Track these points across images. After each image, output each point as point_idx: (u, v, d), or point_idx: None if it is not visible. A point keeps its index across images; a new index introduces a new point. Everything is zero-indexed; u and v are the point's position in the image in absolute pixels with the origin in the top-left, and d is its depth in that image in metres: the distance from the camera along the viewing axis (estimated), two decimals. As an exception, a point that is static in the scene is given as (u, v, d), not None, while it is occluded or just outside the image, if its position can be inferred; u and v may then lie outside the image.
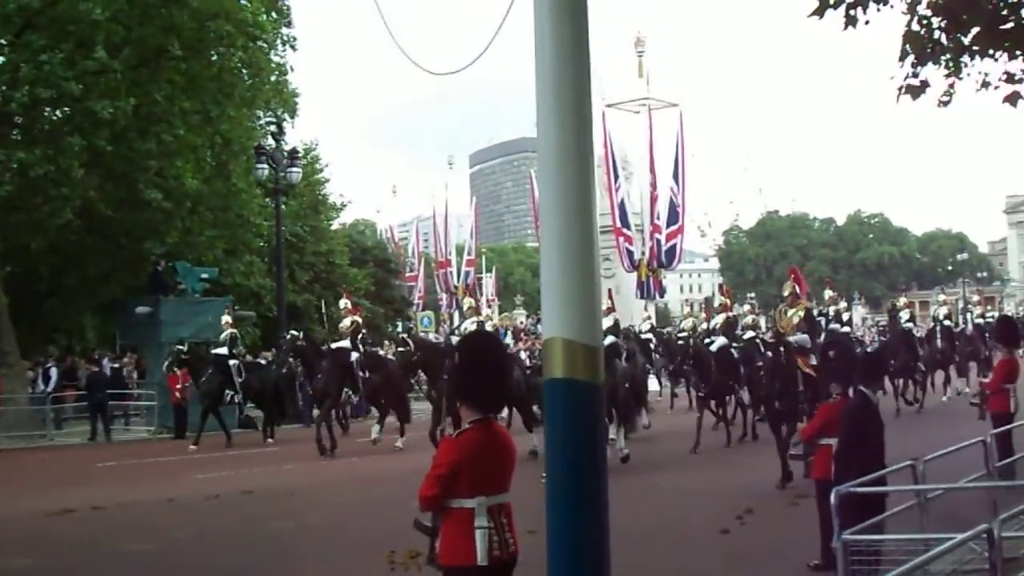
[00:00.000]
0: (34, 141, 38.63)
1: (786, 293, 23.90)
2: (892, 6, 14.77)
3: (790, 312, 22.77)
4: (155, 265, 42.93)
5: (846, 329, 35.97)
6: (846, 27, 14.27)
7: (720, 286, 41.72)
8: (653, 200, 51.74)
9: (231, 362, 34.61)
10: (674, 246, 51.36)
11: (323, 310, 44.89)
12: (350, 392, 31.93)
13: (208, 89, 42.09)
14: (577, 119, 7.91)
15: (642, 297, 52.10)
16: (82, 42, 38.04)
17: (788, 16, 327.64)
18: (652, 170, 52.39)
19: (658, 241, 51.02)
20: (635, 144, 58.31)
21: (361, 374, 31.37)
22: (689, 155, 52.10)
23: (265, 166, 43.10)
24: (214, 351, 35.51)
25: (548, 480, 7.80)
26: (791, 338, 21.48)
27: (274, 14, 45.18)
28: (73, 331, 52.42)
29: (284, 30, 46.30)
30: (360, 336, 32.74)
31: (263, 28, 42.44)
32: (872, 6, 14.43)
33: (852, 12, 14.23)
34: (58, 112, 40.82)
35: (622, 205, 51.56)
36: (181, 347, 34.86)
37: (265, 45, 44.33)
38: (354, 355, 31.46)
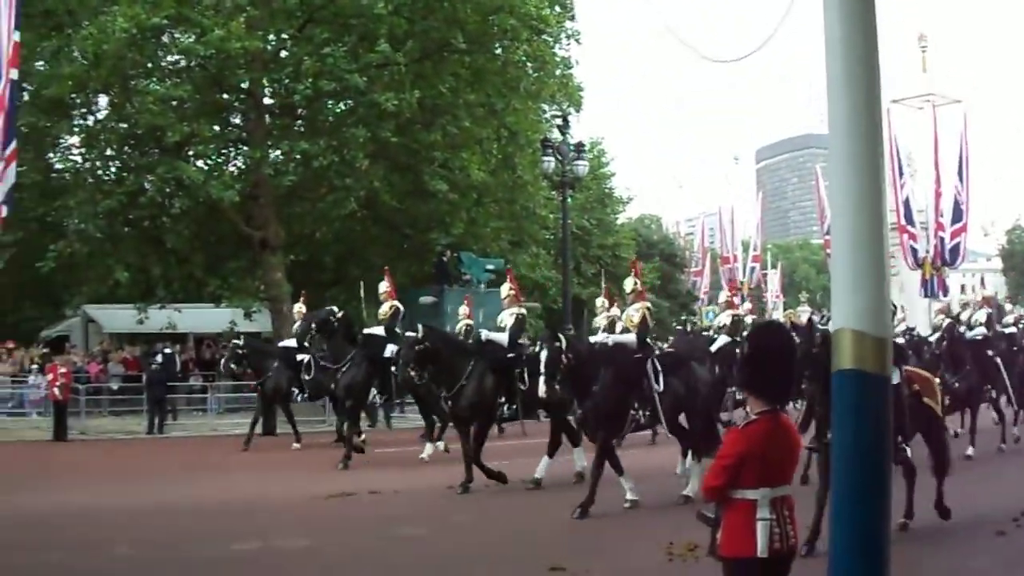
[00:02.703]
0: (317, 132, 39.73)
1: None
2: None
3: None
4: (440, 255, 43.41)
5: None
6: None
7: (729, 282, 38.89)
8: (937, 197, 50.35)
9: (300, 357, 30.51)
10: (958, 244, 49.86)
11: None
12: (376, 391, 28.16)
13: (493, 82, 42.46)
14: (868, 114, 7.89)
15: (926, 296, 50.82)
16: (364, 35, 38.83)
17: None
18: (936, 167, 50.99)
19: (942, 239, 49.66)
20: (918, 141, 57.02)
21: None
22: (973, 152, 50.56)
23: (551, 159, 42.96)
24: (282, 344, 33.26)
25: (834, 470, 7.79)
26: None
27: (557, 8, 45.14)
28: (354, 320, 53.42)
29: (568, 24, 46.22)
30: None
31: (547, 22, 42.42)
32: None
33: None
34: (341, 104, 41.73)
35: (907, 202, 50.35)
36: (237, 342, 32.73)
37: (550, 39, 44.40)
38: (390, 348, 27.31)
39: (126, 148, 41.24)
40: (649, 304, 20.88)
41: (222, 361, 34.91)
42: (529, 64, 43.82)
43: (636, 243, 72.45)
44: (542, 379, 17.97)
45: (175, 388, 38.71)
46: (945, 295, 49.89)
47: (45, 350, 43.52)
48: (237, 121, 43.39)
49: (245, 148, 41.28)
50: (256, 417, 31.34)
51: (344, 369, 27.05)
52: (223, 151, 43.17)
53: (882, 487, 7.69)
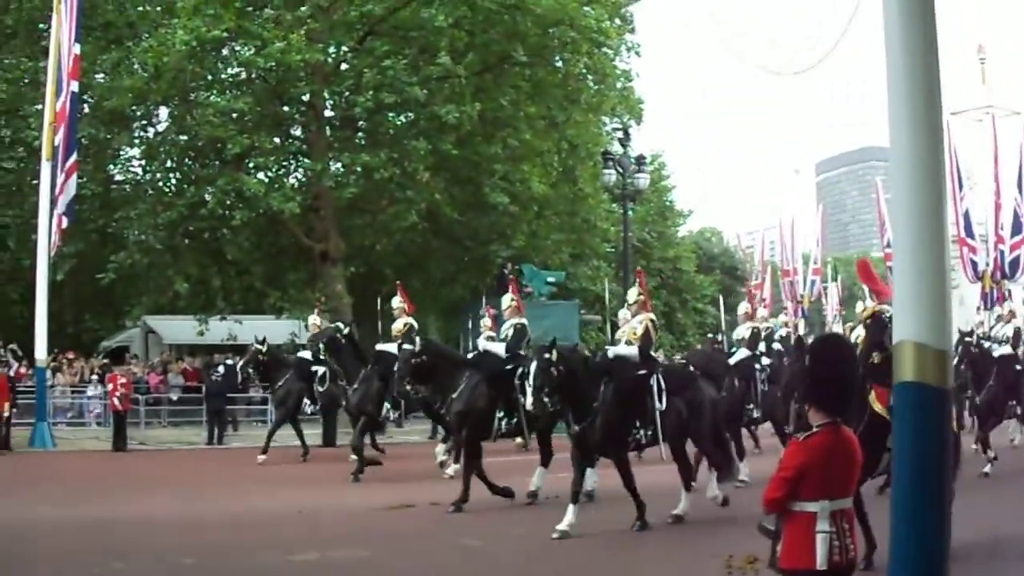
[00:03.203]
0: (378, 145, 39.76)
1: None
2: None
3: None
4: (501, 268, 43.21)
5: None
6: None
7: (748, 291, 37.60)
8: (997, 210, 49.90)
9: (315, 369, 30.05)
10: (1017, 257, 49.34)
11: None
12: (389, 406, 27.30)
13: (554, 95, 42.43)
14: (929, 128, 8.10)
15: (986, 308, 50.38)
16: (425, 48, 38.98)
17: None
18: (996, 180, 50.55)
19: (1001, 252, 49.18)
20: (977, 153, 56.68)
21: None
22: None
23: (612, 171, 42.83)
24: (299, 355, 32.60)
25: (894, 481, 8.10)
26: None
27: (618, 20, 45.02)
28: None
29: (628, 37, 46.08)
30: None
31: (607, 35, 42.33)
32: None
33: None
34: (402, 117, 41.69)
35: (966, 215, 50.01)
36: (260, 347, 31.71)
37: (610, 51, 44.35)
38: None
39: (186, 160, 41.62)
40: (653, 316, 19.68)
41: (239, 363, 34.42)
42: (590, 77, 43.90)
43: (697, 256, 72.46)
44: (529, 391, 17.33)
45: (235, 399, 38.71)
46: (1004, 308, 49.52)
47: (105, 360, 43.71)
48: (298, 133, 43.63)
49: (306, 160, 41.30)
50: (297, 429, 31.03)
51: (356, 386, 26.71)
52: (283, 163, 43.22)
53: (941, 498, 7.88)
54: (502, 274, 41.76)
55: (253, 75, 39.81)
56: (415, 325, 27.45)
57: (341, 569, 14.65)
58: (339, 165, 40.32)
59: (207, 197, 38.98)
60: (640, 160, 44.66)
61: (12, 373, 33.80)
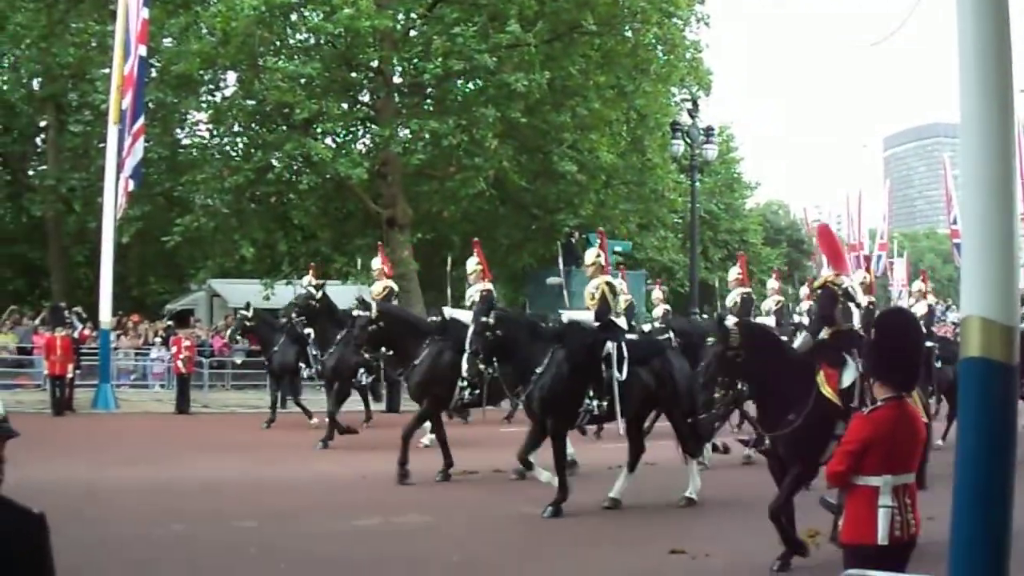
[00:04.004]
0: (446, 111, 39.70)
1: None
2: None
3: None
4: (568, 236, 43.07)
5: None
6: None
7: (740, 256, 36.12)
8: (1064, 186, 49.29)
9: (308, 331, 28.60)
10: (1085, 236, 48.70)
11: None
12: (363, 372, 26.31)
13: (623, 64, 42.27)
14: (1000, 104, 7.92)
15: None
16: (495, 16, 38.85)
17: None
18: (1063, 156, 49.90)
19: (1065, 228, 48.57)
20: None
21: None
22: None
23: (680, 142, 42.74)
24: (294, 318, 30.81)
25: (958, 458, 7.78)
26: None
27: (687, -9, 44.71)
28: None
29: (697, 7, 45.71)
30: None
31: (677, 5, 42.20)
32: None
33: None
34: (471, 84, 41.65)
35: (1034, 190, 49.49)
36: (246, 313, 31.01)
37: (679, 22, 44.05)
38: None
39: (253, 125, 41.68)
40: (610, 279, 18.13)
41: (229, 331, 34.71)
42: (659, 47, 43.55)
43: (763, 229, 72.26)
44: (465, 355, 17.06)
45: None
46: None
47: (170, 323, 43.84)
48: (366, 99, 43.66)
49: (373, 126, 41.37)
50: (274, 395, 31.29)
51: (331, 350, 26.19)
52: (351, 129, 43.37)
53: (1005, 476, 7.69)
54: (569, 243, 41.65)
55: (322, 41, 39.83)
56: (395, 289, 26.70)
57: (405, 535, 14.66)
58: (407, 131, 40.32)
59: (274, 162, 39.24)
60: (708, 131, 44.49)
61: (76, 335, 34.03)
